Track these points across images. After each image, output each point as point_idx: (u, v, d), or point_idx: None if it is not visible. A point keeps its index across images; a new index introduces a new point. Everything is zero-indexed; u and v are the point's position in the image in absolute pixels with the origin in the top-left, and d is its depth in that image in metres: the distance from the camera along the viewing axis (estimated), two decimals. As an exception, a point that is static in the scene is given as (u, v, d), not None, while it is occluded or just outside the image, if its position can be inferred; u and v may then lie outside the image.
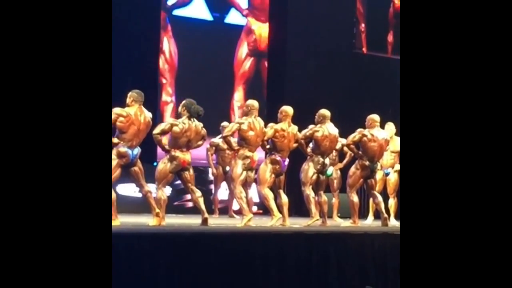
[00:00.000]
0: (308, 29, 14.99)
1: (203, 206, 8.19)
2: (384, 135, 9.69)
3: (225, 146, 11.06)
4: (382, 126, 10.11)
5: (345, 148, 10.16)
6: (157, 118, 9.74)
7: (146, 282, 5.87)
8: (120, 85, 7.92)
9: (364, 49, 16.30)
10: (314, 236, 7.32)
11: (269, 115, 9.29)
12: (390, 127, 10.74)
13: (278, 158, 8.76)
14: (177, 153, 8.04)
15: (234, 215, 11.50)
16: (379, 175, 10.14)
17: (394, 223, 10.25)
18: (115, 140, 7.69)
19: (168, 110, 13.73)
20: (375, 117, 9.65)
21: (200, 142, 8.36)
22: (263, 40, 14.99)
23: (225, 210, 12.02)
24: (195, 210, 8.81)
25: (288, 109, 8.92)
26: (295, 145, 9.04)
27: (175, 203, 12.73)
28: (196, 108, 8.09)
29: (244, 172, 8.52)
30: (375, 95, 14.89)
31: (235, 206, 11.09)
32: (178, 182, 8.92)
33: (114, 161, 7.63)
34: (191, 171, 8.23)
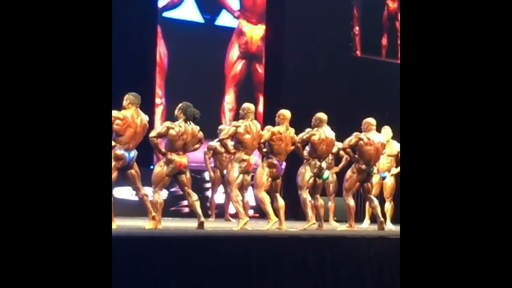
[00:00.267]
0: (305, 33, 15.00)
1: (199, 210, 8.18)
2: (380, 138, 9.69)
3: (222, 150, 11.06)
4: (379, 129, 10.12)
5: (341, 152, 10.16)
6: (153, 122, 9.71)
7: (142, 285, 5.86)
8: (116, 88, 7.89)
9: (358, 52, 16.31)
10: (310, 240, 7.32)
11: (266, 118, 9.28)
12: (387, 131, 10.74)
13: (275, 161, 8.76)
14: (173, 156, 8.04)
15: (230, 218, 11.50)
16: (375, 179, 10.14)
17: (390, 227, 10.25)
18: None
19: (158, 113, 13.70)
20: (371, 120, 9.65)
21: (197, 146, 8.36)
22: (254, 42, 14.94)
23: (221, 213, 12.01)
24: (192, 215, 8.80)
25: (285, 113, 8.92)
26: (292, 148, 9.04)
27: (172, 208, 12.72)
28: (192, 111, 8.09)
29: (241, 176, 8.52)
30: (372, 98, 14.91)
31: (232, 209, 11.08)
32: (174, 189, 8.95)
33: None
34: (188, 174, 8.22)
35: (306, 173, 9.10)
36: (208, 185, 13.40)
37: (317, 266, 6.97)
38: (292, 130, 8.96)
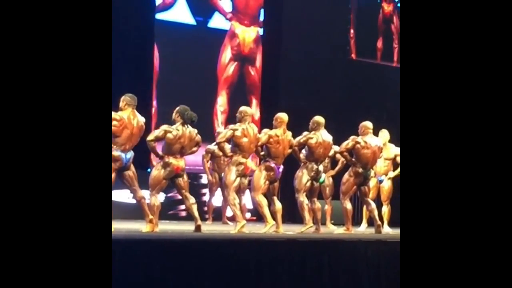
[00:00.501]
0: (302, 36, 15.00)
1: (196, 213, 8.18)
2: (377, 142, 9.70)
3: (220, 153, 11.07)
4: (376, 133, 10.13)
5: (338, 155, 10.17)
6: (151, 125, 9.69)
7: (139, 288, 5.87)
8: (114, 90, 7.88)
9: (353, 55, 16.32)
10: (307, 243, 7.32)
11: (263, 121, 9.28)
12: (384, 134, 10.75)
13: (273, 165, 8.76)
14: (170, 159, 8.03)
15: (228, 221, 11.49)
16: (372, 182, 10.15)
17: (387, 230, 10.25)
18: None
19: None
20: (368, 124, 9.66)
21: (194, 149, 8.35)
22: (247, 44, 14.86)
23: (218, 216, 12.01)
24: (189, 218, 8.79)
25: (283, 116, 8.92)
26: (289, 151, 9.04)
27: (170, 212, 12.72)
28: (189, 114, 8.09)
29: (238, 179, 8.51)
30: (369, 101, 14.92)
31: (229, 212, 11.08)
32: (172, 194, 8.93)
33: None
34: (185, 177, 8.22)
35: (303, 177, 9.09)
36: (204, 190, 13.41)
37: (315, 269, 6.96)
38: (289, 134, 8.96)
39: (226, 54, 14.72)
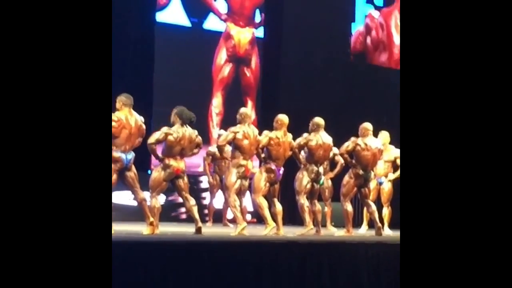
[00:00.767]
0: (302, 38, 15.00)
1: (197, 215, 8.18)
2: (377, 143, 9.70)
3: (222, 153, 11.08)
4: (376, 135, 10.13)
5: (337, 158, 10.16)
6: (151, 126, 9.65)
7: (139, 291, 5.86)
8: (114, 90, 7.88)
9: (351, 57, 16.36)
10: (307, 245, 7.31)
11: (263, 123, 9.29)
12: (384, 136, 10.75)
13: (273, 166, 8.76)
14: (170, 161, 8.03)
15: (228, 223, 11.49)
16: (372, 184, 10.14)
17: (388, 232, 10.25)
18: None
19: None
20: (368, 125, 9.66)
21: (195, 150, 8.35)
22: (242, 45, 14.81)
23: (219, 218, 12.00)
24: (189, 220, 8.78)
25: (283, 118, 8.92)
26: (290, 153, 9.04)
27: (173, 214, 12.72)
28: (188, 114, 8.09)
29: (239, 181, 8.51)
30: (369, 104, 14.91)
31: (229, 214, 11.08)
32: (173, 197, 8.90)
33: None
34: (185, 179, 8.21)
35: (303, 179, 9.09)
36: (205, 193, 13.40)
37: (315, 271, 6.97)
38: (290, 136, 8.96)
39: (221, 56, 14.66)
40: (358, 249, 7.48)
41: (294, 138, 9.04)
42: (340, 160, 10.17)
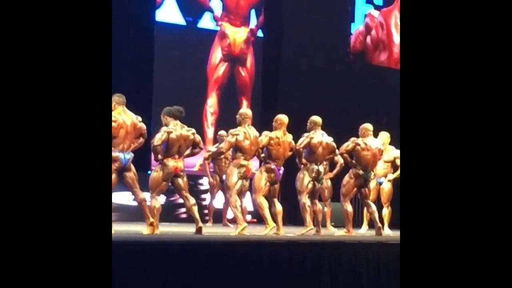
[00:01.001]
0: (302, 38, 15.00)
1: (197, 215, 8.17)
2: (377, 144, 9.70)
3: (221, 155, 11.09)
4: (376, 135, 10.13)
5: (336, 158, 10.16)
6: (151, 126, 9.64)
7: (139, 291, 5.86)
8: (114, 90, 7.88)
9: (351, 56, 16.35)
10: (307, 245, 7.31)
11: (263, 123, 9.28)
12: (384, 136, 10.75)
13: (273, 166, 8.76)
14: (169, 160, 8.02)
15: (228, 223, 11.49)
16: (372, 184, 10.14)
17: (388, 232, 10.25)
18: None
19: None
20: (368, 126, 9.67)
21: (196, 150, 8.32)
22: (237, 45, 14.70)
23: (219, 218, 12.00)
24: (190, 220, 8.78)
25: (283, 118, 8.93)
26: (289, 153, 9.04)
27: (176, 213, 12.73)
28: (175, 108, 8.10)
29: (240, 181, 8.52)
30: (369, 104, 14.91)
31: (230, 214, 11.08)
32: (174, 198, 8.89)
33: None
34: (185, 178, 8.19)
35: (304, 178, 9.09)
36: (205, 193, 13.40)
37: (315, 271, 6.96)
38: (290, 136, 8.96)
39: (216, 55, 14.55)
40: (358, 249, 7.48)
41: (294, 138, 9.04)
42: (340, 160, 10.17)
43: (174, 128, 8.04)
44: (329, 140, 9.23)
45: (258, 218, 12.99)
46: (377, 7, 16.68)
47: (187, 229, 8.75)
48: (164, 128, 8.07)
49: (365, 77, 15.82)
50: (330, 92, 15.06)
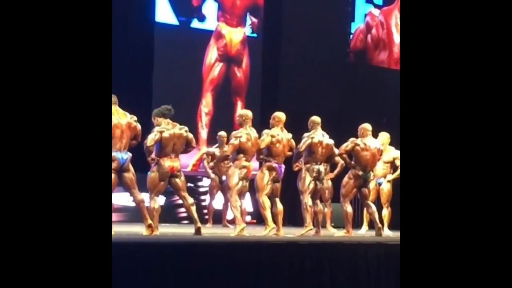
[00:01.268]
0: (301, 38, 14.99)
1: (195, 215, 8.15)
2: (377, 144, 9.70)
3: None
4: (376, 135, 10.13)
5: (337, 158, 10.15)
6: (152, 126, 9.63)
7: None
8: (114, 91, 7.88)
9: (352, 55, 16.33)
10: (307, 246, 7.31)
11: (263, 124, 9.28)
12: (384, 136, 10.74)
13: (275, 164, 8.75)
14: (164, 160, 7.98)
15: (228, 224, 11.48)
16: (372, 185, 10.14)
17: (387, 233, 10.24)
18: None
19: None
20: (367, 126, 9.67)
21: (189, 148, 8.26)
22: (234, 45, 14.62)
23: (219, 219, 11.99)
24: (190, 220, 8.76)
25: (280, 115, 8.94)
26: (289, 153, 9.04)
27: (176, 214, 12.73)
28: (163, 107, 8.08)
29: (240, 182, 8.53)
30: (369, 105, 14.90)
31: (229, 215, 11.07)
32: (175, 198, 8.85)
33: None
34: (182, 177, 8.16)
35: (306, 178, 9.10)
36: (203, 196, 13.39)
37: (315, 272, 6.95)
38: (289, 134, 8.95)
39: (212, 55, 14.46)
40: (358, 250, 7.47)
41: (294, 138, 9.03)
42: (341, 161, 10.17)
43: (166, 127, 8.01)
44: (330, 141, 9.24)
45: (257, 219, 13.00)
46: (377, 6, 16.67)
47: (187, 230, 8.73)
48: (156, 128, 8.03)
49: (365, 78, 15.81)
50: (329, 93, 15.05)
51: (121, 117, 7.74)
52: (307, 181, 9.08)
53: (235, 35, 14.68)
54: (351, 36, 16.26)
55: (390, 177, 10.82)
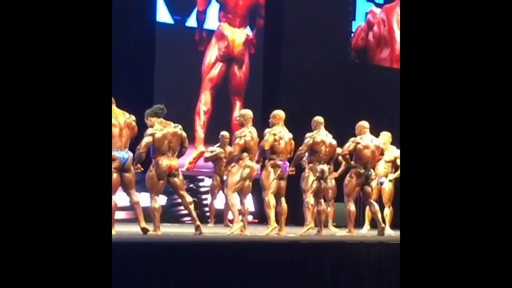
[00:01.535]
0: (303, 38, 14.99)
1: (194, 213, 8.14)
2: (375, 140, 9.69)
3: (222, 155, 11.08)
4: (377, 135, 10.12)
5: (340, 158, 10.16)
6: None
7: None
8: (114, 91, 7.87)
9: (353, 54, 16.32)
10: (309, 245, 7.30)
11: (265, 124, 9.28)
12: (385, 136, 10.73)
13: (279, 162, 8.75)
14: (161, 159, 7.95)
15: (230, 224, 11.48)
16: (373, 184, 10.13)
17: (389, 232, 10.24)
18: None
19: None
20: (364, 123, 9.68)
21: (183, 149, 8.18)
22: (236, 46, 14.56)
23: (220, 220, 11.99)
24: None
25: (280, 113, 8.96)
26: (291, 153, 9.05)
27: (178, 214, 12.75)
28: (155, 107, 8.04)
29: (242, 181, 8.53)
30: (370, 104, 14.90)
31: (231, 215, 11.06)
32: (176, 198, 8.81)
33: None
34: (180, 176, 8.14)
35: (309, 177, 9.11)
36: (205, 195, 13.39)
37: (316, 271, 6.95)
38: (290, 134, 8.95)
39: (213, 54, 14.39)
40: (360, 249, 7.47)
41: (295, 138, 9.03)
42: (344, 161, 10.17)
43: (158, 128, 7.94)
44: (333, 141, 9.25)
45: (259, 218, 13.00)
46: (377, 5, 16.66)
47: (189, 230, 8.73)
48: (147, 132, 7.96)
49: (366, 77, 15.81)
50: (331, 92, 15.05)
51: (118, 116, 7.73)
52: (310, 180, 9.09)
53: (238, 36, 14.65)
54: (352, 35, 16.25)
55: (392, 176, 10.81)
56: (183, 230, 9.17)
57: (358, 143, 9.49)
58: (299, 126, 9.69)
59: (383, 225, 9.57)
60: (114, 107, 7.76)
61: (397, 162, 10.68)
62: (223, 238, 7.93)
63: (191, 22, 14.30)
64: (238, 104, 14.57)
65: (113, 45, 4.86)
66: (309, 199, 9.04)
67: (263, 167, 8.87)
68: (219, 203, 12.11)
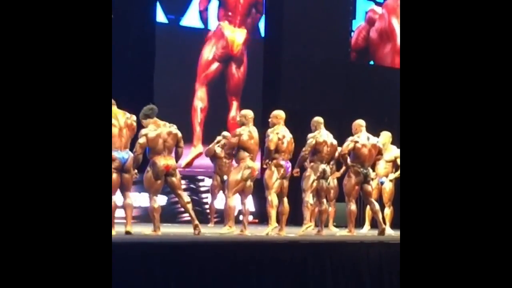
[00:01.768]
0: (303, 38, 14.99)
1: (192, 213, 8.14)
2: (372, 139, 9.68)
3: (222, 154, 11.08)
4: (377, 135, 10.13)
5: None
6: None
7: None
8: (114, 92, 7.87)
9: (353, 54, 16.32)
10: (309, 245, 7.30)
11: (264, 125, 9.29)
12: (385, 136, 10.73)
13: (282, 161, 8.76)
14: (158, 159, 7.94)
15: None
16: (374, 184, 10.13)
17: (389, 232, 10.24)
18: None
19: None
20: (361, 122, 9.69)
21: (179, 150, 8.17)
22: (236, 45, 14.50)
23: (221, 219, 11.98)
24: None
25: (280, 113, 8.97)
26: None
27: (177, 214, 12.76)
28: (146, 108, 8.02)
29: (243, 182, 8.53)
30: (370, 103, 14.91)
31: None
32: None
33: None
34: (178, 175, 8.12)
35: (310, 177, 9.11)
36: (205, 195, 13.39)
37: (317, 271, 6.95)
38: (290, 134, 8.96)
39: (210, 53, 14.32)
40: (360, 249, 7.47)
41: (295, 138, 9.03)
42: (343, 161, 10.17)
43: (151, 128, 7.91)
44: (334, 141, 9.26)
45: (259, 218, 13.00)
46: (377, 4, 16.66)
47: (188, 230, 8.73)
48: (141, 132, 7.92)
49: (367, 76, 15.81)
50: (331, 92, 15.05)
51: (118, 116, 7.73)
52: (311, 180, 9.10)
53: (238, 36, 14.61)
54: (352, 34, 16.24)
55: (392, 176, 10.81)
56: (183, 230, 9.17)
57: (356, 142, 9.50)
58: (299, 126, 9.70)
59: (384, 226, 9.57)
60: (114, 108, 7.76)
61: (397, 162, 10.68)
62: (223, 238, 7.92)
63: (186, 21, 14.23)
64: (235, 104, 14.54)
65: (113, 45, 4.86)
66: (309, 198, 9.05)
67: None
68: (219, 203, 12.10)
